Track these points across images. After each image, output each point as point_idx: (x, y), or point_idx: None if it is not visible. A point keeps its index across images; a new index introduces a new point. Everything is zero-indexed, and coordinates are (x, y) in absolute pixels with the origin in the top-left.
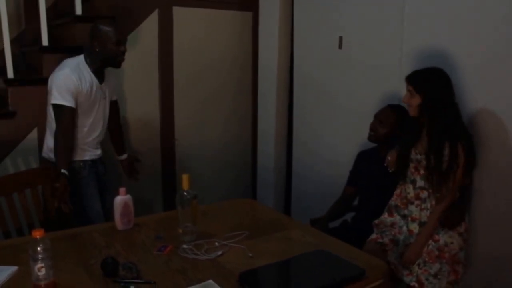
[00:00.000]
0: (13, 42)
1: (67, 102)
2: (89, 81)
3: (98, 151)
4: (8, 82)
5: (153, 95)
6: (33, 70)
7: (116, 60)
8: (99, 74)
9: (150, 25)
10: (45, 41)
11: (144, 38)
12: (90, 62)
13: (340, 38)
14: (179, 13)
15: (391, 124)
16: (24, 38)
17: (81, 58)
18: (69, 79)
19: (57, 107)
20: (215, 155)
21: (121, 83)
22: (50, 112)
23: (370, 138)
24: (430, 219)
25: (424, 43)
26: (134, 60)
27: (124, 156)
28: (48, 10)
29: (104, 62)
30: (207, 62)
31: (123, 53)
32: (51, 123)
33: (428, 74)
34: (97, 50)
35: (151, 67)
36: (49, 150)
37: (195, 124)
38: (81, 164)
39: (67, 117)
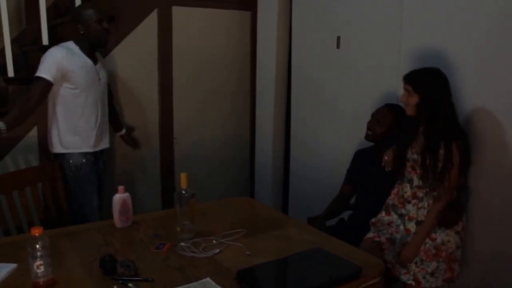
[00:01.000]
0: (13, 41)
1: (45, 74)
2: (82, 60)
3: (103, 143)
4: (9, 80)
5: (153, 93)
6: (33, 69)
7: (101, 39)
8: (91, 57)
9: (149, 25)
10: (45, 41)
11: (144, 37)
12: (79, 45)
13: (338, 38)
14: (178, 12)
15: (388, 124)
16: (25, 38)
17: (70, 42)
18: (52, 55)
19: (35, 79)
20: (213, 154)
21: (121, 82)
22: (51, 106)
23: (368, 137)
24: (427, 218)
25: (422, 43)
26: (134, 59)
27: (123, 131)
28: (48, 10)
29: (91, 43)
30: (206, 61)
31: (107, 30)
32: (52, 117)
33: (426, 73)
34: (82, 32)
35: (150, 66)
36: (52, 143)
37: (194, 123)
38: (84, 160)
39: (39, 88)
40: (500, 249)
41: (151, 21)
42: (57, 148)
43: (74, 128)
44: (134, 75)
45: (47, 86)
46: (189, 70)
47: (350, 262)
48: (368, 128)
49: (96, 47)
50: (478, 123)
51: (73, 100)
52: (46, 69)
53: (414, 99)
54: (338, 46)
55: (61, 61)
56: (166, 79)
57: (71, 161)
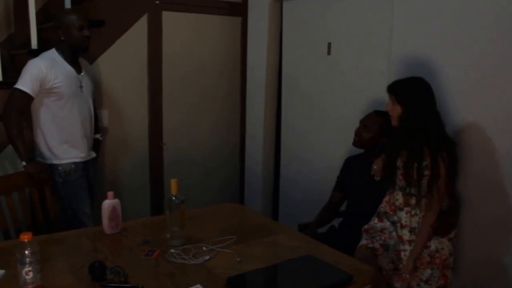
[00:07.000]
0: (2, 44)
1: (25, 87)
2: (64, 70)
3: (91, 153)
4: None
5: (142, 99)
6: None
7: (82, 46)
8: (75, 65)
9: (139, 29)
10: (34, 45)
11: (134, 42)
12: (61, 53)
13: (329, 44)
14: (168, 17)
15: (375, 130)
16: (13, 41)
17: (53, 50)
18: (34, 67)
19: (13, 90)
20: (203, 160)
21: (110, 86)
22: (36, 117)
23: (355, 143)
24: (421, 231)
25: (412, 51)
26: (123, 63)
27: (97, 136)
28: (37, 13)
29: (72, 49)
30: (196, 66)
31: (88, 37)
32: (38, 129)
33: (409, 84)
34: (63, 38)
35: (140, 71)
36: (43, 154)
37: (183, 128)
38: (73, 166)
39: (18, 100)
40: (490, 255)
41: (141, 26)
42: (49, 159)
43: (61, 138)
44: (124, 80)
45: (26, 99)
46: (179, 75)
47: (340, 269)
48: (356, 134)
49: (77, 53)
50: (469, 133)
51: (58, 111)
52: (27, 81)
53: (397, 110)
54: (329, 53)
55: (45, 73)
56: (156, 84)
57: (60, 168)
